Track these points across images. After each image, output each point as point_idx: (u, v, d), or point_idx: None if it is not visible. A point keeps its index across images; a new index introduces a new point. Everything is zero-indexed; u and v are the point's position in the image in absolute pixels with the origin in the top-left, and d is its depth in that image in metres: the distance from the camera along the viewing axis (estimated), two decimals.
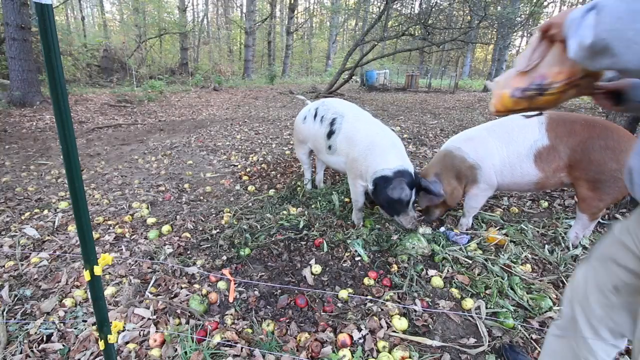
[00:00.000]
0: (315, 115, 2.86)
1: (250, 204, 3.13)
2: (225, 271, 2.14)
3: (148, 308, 1.82)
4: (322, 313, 1.84)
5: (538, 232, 2.64)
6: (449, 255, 2.30)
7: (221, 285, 2.02)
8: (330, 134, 2.69)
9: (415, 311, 1.85)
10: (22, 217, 2.86)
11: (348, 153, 2.57)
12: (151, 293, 1.97)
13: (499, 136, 2.36)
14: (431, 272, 2.17)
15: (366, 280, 2.10)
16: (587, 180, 2.18)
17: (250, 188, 3.53)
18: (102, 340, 1.18)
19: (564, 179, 2.27)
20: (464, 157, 2.43)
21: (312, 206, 2.98)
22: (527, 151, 2.27)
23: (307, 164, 3.32)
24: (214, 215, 2.96)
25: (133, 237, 2.61)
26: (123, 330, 1.68)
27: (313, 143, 2.97)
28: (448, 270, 2.18)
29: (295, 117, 3.25)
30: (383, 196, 2.34)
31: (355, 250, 2.36)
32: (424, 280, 2.11)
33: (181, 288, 2.00)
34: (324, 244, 2.42)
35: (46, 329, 1.70)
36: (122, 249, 2.44)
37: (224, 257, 2.31)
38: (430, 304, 1.92)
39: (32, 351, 1.58)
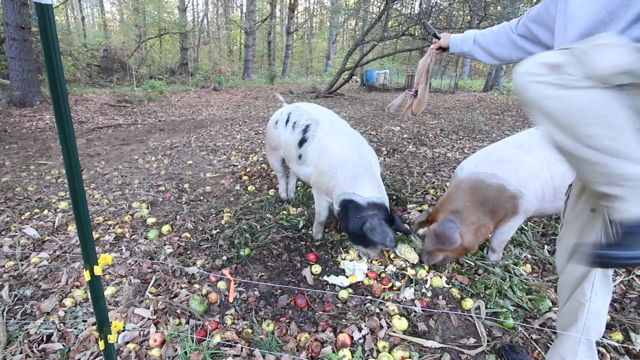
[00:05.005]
0: (287, 121, 2.61)
1: (250, 204, 3.13)
2: (225, 271, 2.14)
3: (148, 308, 1.82)
4: (322, 313, 1.84)
5: (538, 232, 2.64)
6: None
7: (221, 285, 2.03)
8: (302, 141, 2.42)
9: (415, 312, 1.85)
10: (22, 217, 2.86)
11: (317, 164, 2.31)
12: (151, 293, 1.97)
13: (538, 155, 1.98)
14: (431, 272, 2.17)
15: (366, 280, 2.10)
16: None
17: (250, 188, 3.53)
18: (102, 340, 1.18)
19: None
20: (503, 185, 1.93)
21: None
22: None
23: (281, 172, 3.07)
24: (214, 215, 2.96)
25: (133, 237, 2.61)
26: (123, 330, 1.68)
27: (284, 151, 2.70)
28: (448, 271, 2.18)
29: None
30: (352, 226, 2.08)
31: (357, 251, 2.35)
32: (423, 280, 2.11)
33: (181, 288, 2.00)
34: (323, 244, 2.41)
35: (46, 329, 1.70)
36: (122, 249, 2.44)
37: (224, 257, 2.32)
38: (430, 304, 1.92)
39: (32, 351, 1.58)
